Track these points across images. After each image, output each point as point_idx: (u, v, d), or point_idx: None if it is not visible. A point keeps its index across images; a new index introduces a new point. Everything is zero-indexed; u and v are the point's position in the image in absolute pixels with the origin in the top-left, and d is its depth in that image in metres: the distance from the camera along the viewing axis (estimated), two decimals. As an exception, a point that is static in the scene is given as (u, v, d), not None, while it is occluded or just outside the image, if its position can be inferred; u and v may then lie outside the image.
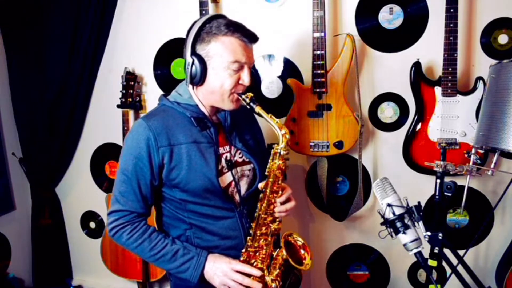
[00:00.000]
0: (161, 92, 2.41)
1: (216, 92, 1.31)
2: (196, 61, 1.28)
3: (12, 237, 2.68)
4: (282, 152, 1.32)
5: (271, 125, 1.32)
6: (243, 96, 1.31)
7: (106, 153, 2.65)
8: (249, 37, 1.30)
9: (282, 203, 1.37)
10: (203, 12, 2.07)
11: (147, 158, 1.29)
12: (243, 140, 1.46)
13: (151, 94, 2.47)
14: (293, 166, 2.29)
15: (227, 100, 1.32)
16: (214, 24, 1.27)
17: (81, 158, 2.70)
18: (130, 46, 2.45)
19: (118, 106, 2.38)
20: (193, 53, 1.29)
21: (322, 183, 2.20)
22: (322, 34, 1.93)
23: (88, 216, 2.79)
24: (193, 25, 1.31)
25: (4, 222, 2.62)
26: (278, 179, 1.35)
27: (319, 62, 1.96)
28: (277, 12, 2.19)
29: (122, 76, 2.36)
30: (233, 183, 1.40)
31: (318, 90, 1.99)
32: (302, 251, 1.41)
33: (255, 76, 2.25)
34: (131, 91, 2.37)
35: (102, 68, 2.52)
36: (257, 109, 1.31)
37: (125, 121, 2.38)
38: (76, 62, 2.44)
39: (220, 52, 1.27)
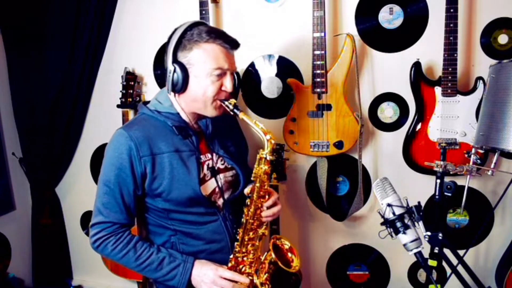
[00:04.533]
0: (161, 92, 2.43)
1: (198, 99, 1.30)
2: (177, 69, 1.27)
3: (12, 237, 2.68)
4: (268, 157, 1.32)
5: (256, 131, 1.31)
6: (226, 103, 1.31)
7: (106, 153, 2.64)
8: (231, 44, 1.30)
9: (269, 208, 1.37)
10: (203, 12, 2.06)
11: (130, 168, 1.28)
12: (225, 146, 1.45)
13: (151, 94, 2.44)
14: (293, 166, 2.29)
15: (210, 107, 1.31)
16: (195, 31, 1.27)
17: (81, 158, 2.70)
18: (130, 46, 2.45)
19: (118, 106, 2.38)
20: (175, 60, 1.28)
21: (322, 183, 2.20)
22: (322, 34, 1.93)
23: (88, 216, 2.77)
24: (174, 32, 1.31)
25: (4, 222, 2.62)
26: (265, 184, 1.35)
27: (319, 62, 1.96)
28: (277, 12, 2.19)
29: (122, 76, 2.36)
30: (216, 189, 1.40)
31: (318, 90, 1.99)
32: (289, 254, 1.42)
33: (254, 79, 2.26)
34: (131, 91, 2.37)
35: (102, 68, 2.52)
36: (241, 115, 1.30)
37: (125, 121, 2.38)
38: (76, 62, 2.44)
39: (202, 59, 1.26)
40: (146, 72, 2.44)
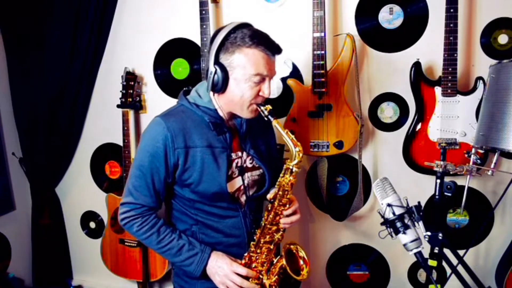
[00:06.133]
0: (161, 92, 2.44)
1: (236, 101, 1.33)
2: (218, 71, 1.29)
3: (12, 237, 2.68)
4: (294, 169, 1.36)
5: (286, 141, 1.35)
6: (262, 108, 1.34)
7: (106, 153, 2.65)
8: (273, 50, 1.31)
9: (288, 215, 1.41)
10: (203, 12, 2.06)
11: (163, 156, 1.33)
12: (256, 146, 1.48)
13: (151, 94, 2.47)
14: (293, 166, 2.29)
15: (246, 110, 1.34)
16: (239, 34, 1.28)
17: (81, 158, 2.70)
18: (130, 46, 2.45)
19: (118, 106, 2.38)
20: (216, 62, 1.30)
21: (322, 183, 2.20)
22: (322, 34, 1.94)
23: (88, 216, 2.79)
24: (217, 32, 1.32)
25: (4, 222, 2.62)
26: (287, 193, 1.38)
27: (319, 62, 1.96)
28: (277, 12, 2.19)
29: (122, 76, 2.36)
30: (241, 187, 1.44)
31: (318, 90, 1.99)
32: (301, 262, 1.45)
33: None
34: (131, 91, 2.37)
35: (102, 68, 2.52)
36: (275, 122, 1.34)
37: (125, 121, 2.38)
38: (76, 62, 2.44)
39: (243, 64, 1.28)
40: (146, 72, 2.44)
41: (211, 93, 1.37)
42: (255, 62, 1.27)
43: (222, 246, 1.42)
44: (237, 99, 1.32)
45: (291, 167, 1.35)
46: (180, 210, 1.44)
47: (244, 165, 1.45)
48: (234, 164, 1.42)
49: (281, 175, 1.37)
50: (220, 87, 1.31)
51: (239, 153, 1.44)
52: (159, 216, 1.41)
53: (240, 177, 1.43)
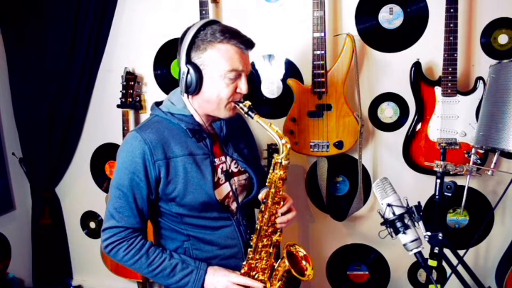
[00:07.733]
0: (161, 92, 2.43)
1: (212, 101, 1.27)
2: (191, 70, 1.23)
3: (12, 237, 2.68)
4: (283, 162, 1.28)
5: (271, 135, 1.26)
6: (241, 105, 1.27)
7: (106, 153, 2.64)
8: (246, 44, 1.25)
9: (283, 214, 1.34)
10: (203, 12, 2.06)
11: (143, 172, 1.25)
12: (239, 149, 1.42)
13: (151, 94, 2.47)
14: (293, 166, 2.29)
15: (223, 109, 1.28)
16: (209, 31, 1.22)
17: (81, 158, 2.70)
18: (130, 46, 2.45)
19: (118, 106, 2.38)
20: (188, 61, 1.24)
21: (322, 183, 2.20)
22: (322, 34, 1.94)
23: (88, 216, 2.79)
24: (186, 32, 1.26)
25: (4, 222, 2.62)
26: (280, 190, 1.31)
27: (319, 62, 1.96)
28: (277, 12, 2.19)
29: (122, 76, 2.36)
30: (230, 193, 1.38)
31: (318, 90, 1.99)
32: (303, 262, 1.39)
33: (255, 80, 2.25)
34: (131, 91, 2.37)
35: (102, 68, 2.52)
36: (256, 118, 1.26)
37: (125, 121, 2.38)
38: (76, 62, 2.44)
39: (216, 60, 1.22)
40: (146, 72, 2.44)
41: (185, 96, 1.30)
42: (228, 57, 1.22)
43: (218, 260, 1.35)
44: (213, 98, 1.25)
45: (279, 160, 1.28)
46: (169, 228, 1.36)
47: (230, 170, 1.38)
48: (219, 170, 1.35)
49: (270, 171, 1.30)
50: (194, 87, 1.24)
51: (223, 158, 1.37)
52: (145, 238, 1.32)
53: (227, 183, 1.36)
